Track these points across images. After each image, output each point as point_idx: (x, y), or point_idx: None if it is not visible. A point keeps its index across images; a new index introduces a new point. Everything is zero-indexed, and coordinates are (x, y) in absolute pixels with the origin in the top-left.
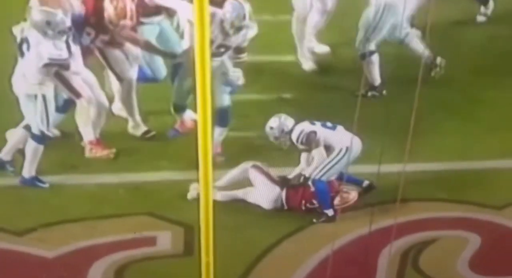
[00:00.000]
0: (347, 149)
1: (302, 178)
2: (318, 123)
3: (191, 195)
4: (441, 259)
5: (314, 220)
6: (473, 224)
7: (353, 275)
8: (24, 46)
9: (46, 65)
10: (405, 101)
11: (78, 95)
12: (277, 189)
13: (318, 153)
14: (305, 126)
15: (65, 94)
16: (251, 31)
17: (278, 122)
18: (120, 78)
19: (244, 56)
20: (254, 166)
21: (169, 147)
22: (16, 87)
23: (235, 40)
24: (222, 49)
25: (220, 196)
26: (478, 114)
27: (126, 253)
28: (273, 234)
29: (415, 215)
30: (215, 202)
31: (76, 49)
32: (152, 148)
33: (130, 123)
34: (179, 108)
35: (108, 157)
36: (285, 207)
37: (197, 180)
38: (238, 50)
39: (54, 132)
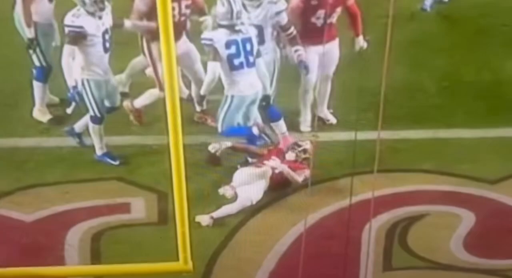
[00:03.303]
0: (232, 97)
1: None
2: (243, 51)
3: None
4: (432, 237)
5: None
6: (464, 199)
7: (336, 250)
8: None
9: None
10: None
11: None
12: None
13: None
14: (225, 39)
15: None
16: (276, 6)
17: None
18: None
19: (293, 31)
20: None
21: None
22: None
23: (270, 20)
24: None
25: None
26: (464, 76)
27: (101, 219)
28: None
29: (398, 187)
30: (188, 171)
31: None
32: (124, 111)
33: None
34: None
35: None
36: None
37: (167, 146)
38: (283, 28)
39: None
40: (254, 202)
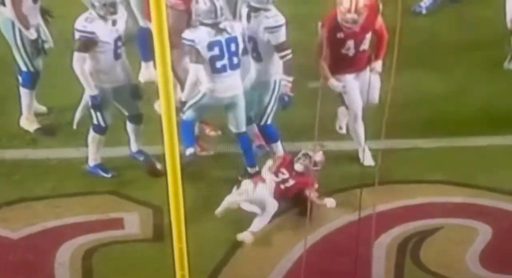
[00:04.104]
0: (204, 94)
1: None
2: (226, 49)
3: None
4: (446, 252)
5: None
6: (480, 212)
7: (344, 266)
8: None
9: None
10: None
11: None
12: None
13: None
14: (208, 40)
15: None
16: (267, 21)
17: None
18: None
19: (286, 54)
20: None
21: None
22: None
23: (262, 34)
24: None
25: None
26: (479, 81)
27: (93, 235)
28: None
29: (410, 199)
30: (185, 183)
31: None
32: (116, 121)
33: None
34: None
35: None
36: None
37: (163, 156)
38: (276, 48)
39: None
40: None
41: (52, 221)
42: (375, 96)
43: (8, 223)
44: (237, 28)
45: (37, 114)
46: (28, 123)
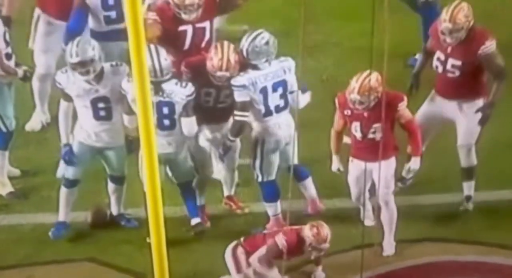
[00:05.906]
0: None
1: None
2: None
3: None
4: None
5: None
6: (492, 270)
7: None
8: None
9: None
10: None
11: None
12: None
13: None
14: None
15: None
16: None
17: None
18: None
19: (242, 116)
20: None
21: None
22: None
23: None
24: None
25: None
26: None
27: None
28: None
29: (416, 259)
30: (169, 248)
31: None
32: (95, 184)
33: None
34: None
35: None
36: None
37: (147, 221)
38: (236, 105)
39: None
40: None
41: None
42: (386, 196)
43: None
44: (179, 94)
45: (10, 178)
46: (0, 187)
